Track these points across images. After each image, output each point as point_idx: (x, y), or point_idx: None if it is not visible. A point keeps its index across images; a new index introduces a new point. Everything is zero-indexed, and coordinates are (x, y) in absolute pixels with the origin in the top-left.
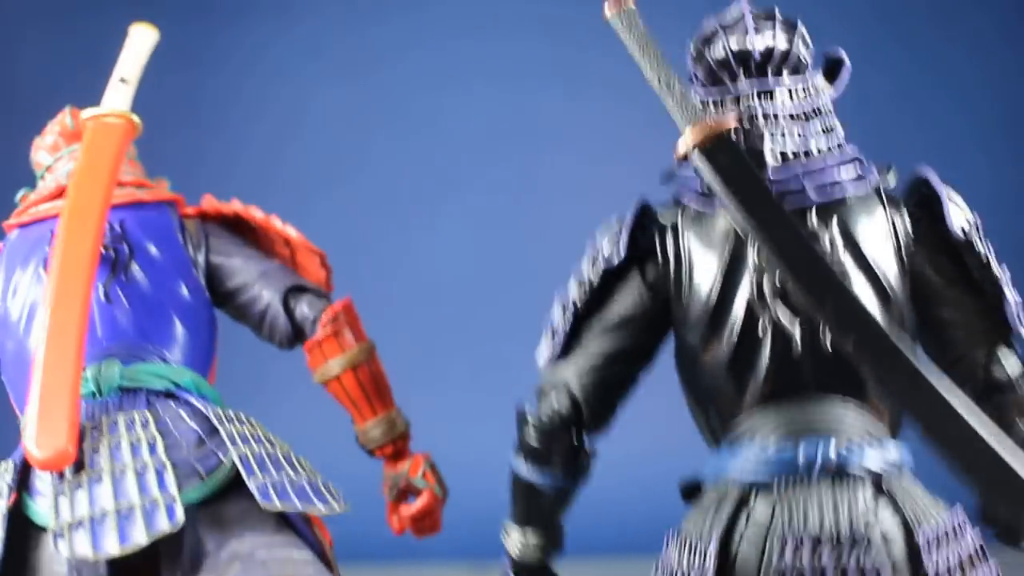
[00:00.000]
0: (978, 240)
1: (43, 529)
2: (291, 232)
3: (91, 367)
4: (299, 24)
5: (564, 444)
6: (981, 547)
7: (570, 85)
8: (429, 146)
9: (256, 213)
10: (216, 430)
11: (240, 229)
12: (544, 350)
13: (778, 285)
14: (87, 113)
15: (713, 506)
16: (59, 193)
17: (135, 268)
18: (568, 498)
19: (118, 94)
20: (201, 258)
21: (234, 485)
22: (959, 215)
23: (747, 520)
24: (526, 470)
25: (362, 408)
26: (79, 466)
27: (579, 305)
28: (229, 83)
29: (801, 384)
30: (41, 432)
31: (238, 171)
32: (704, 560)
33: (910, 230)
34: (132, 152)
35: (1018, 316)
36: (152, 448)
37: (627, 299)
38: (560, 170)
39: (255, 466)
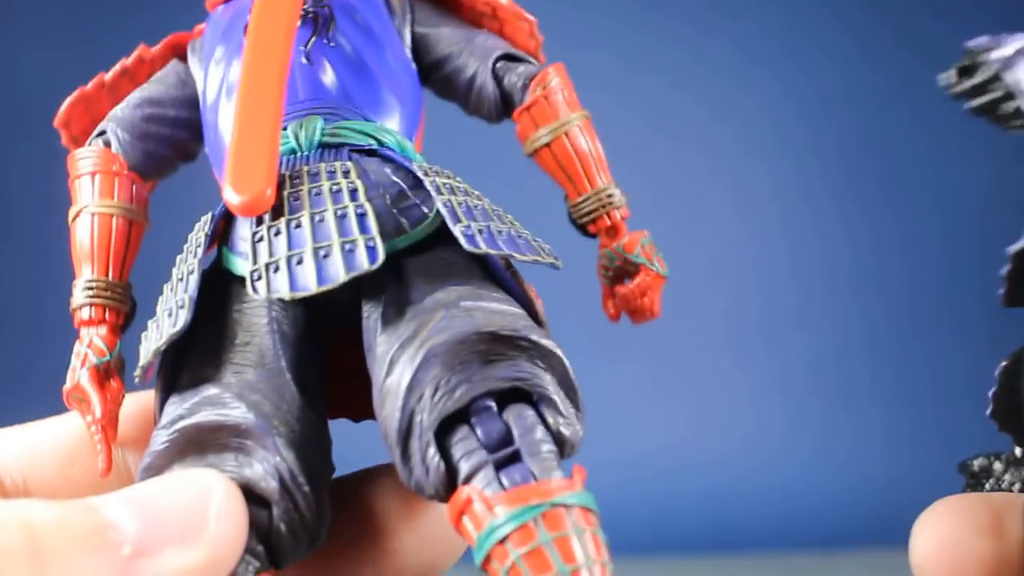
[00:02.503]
0: None
1: (243, 281)
2: (500, 0)
3: (291, 124)
4: None
5: None
6: None
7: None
8: (429, 146)
9: None
10: (420, 183)
11: (447, 3)
12: None
13: None
14: None
15: None
16: None
17: (338, 32)
18: None
19: None
20: (407, 30)
21: (440, 237)
22: None
23: None
24: None
25: (575, 179)
26: (277, 212)
27: None
28: None
29: None
30: (238, 176)
31: None
32: None
33: None
34: None
35: None
36: (353, 195)
37: None
38: None
39: (460, 213)
